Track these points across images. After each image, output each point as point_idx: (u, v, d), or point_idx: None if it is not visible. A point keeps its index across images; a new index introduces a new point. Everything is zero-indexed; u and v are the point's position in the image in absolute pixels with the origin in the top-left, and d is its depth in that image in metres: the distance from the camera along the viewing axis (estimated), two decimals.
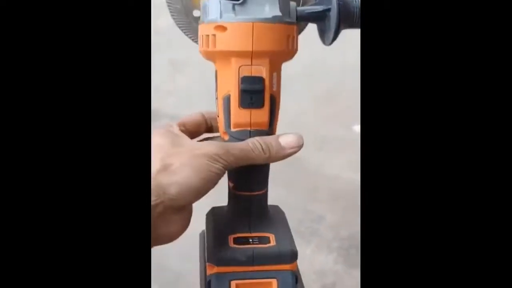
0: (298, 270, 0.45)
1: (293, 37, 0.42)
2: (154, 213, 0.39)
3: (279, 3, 0.41)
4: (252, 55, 0.41)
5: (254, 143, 0.43)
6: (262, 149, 0.43)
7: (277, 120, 0.45)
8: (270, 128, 0.44)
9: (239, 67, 0.42)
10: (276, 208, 0.50)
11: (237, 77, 0.42)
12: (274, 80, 0.43)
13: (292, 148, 0.44)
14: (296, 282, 0.43)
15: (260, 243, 0.44)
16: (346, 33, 0.43)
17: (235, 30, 0.41)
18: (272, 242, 0.44)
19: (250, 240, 0.44)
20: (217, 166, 0.40)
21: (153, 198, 0.38)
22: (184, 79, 1.64)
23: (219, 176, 0.41)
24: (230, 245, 0.43)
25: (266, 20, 0.40)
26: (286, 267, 0.43)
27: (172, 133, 0.43)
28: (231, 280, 0.43)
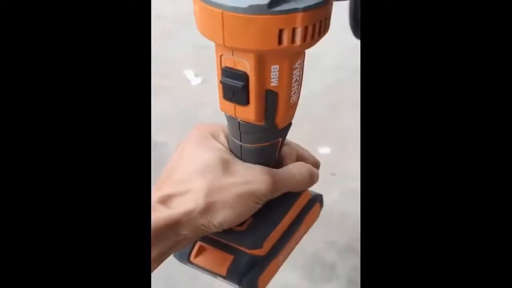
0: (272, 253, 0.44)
1: (292, 30, 0.30)
2: (180, 243, 0.38)
3: None
4: (232, 48, 0.33)
5: (301, 175, 0.42)
6: (308, 180, 0.43)
7: (286, 114, 0.37)
8: (268, 123, 0.38)
9: (221, 55, 0.34)
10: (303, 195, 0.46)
11: (220, 66, 0.35)
12: (274, 75, 0.34)
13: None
14: (256, 264, 0.43)
15: None
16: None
17: (203, 14, 0.32)
18: (245, 226, 0.43)
19: None
20: (260, 204, 0.40)
21: (186, 233, 0.38)
22: (158, 104, 1.67)
23: (257, 208, 0.40)
24: None
25: (239, 10, 0.30)
26: (250, 251, 0.43)
27: (221, 152, 0.40)
28: (199, 240, 0.44)
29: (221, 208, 0.38)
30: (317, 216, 0.51)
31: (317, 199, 0.50)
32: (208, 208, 0.38)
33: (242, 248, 0.43)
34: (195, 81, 1.76)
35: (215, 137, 0.42)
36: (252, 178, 0.39)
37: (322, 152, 1.53)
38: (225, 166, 0.39)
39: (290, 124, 0.41)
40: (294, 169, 0.42)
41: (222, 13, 0.30)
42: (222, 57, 0.34)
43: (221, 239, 0.43)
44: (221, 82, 0.35)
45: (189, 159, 0.41)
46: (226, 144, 0.42)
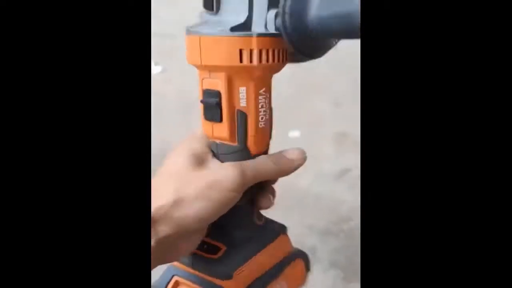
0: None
1: (252, 50, 0.39)
2: (165, 243, 0.39)
3: (249, 12, 0.39)
4: (208, 69, 0.41)
5: (263, 158, 0.43)
6: (273, 162, 0.43)
7: (256, 137, 0.43)
8: (240, 144, 0.43)
9: (202, 79, 0.42)
10: (275, 229, 0.49)
11: (201, 89, 0.42)
12: (243, 96, 0.41)
13: (298, 160, 0.44)
14: None
15: (207, 251, 0.45)
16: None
17: (188, 43, 0.41)
18: (218, 255, 0.44)
19: (205, 245, 0.45)
20: (234, 194, 0.40)
21: (164, 228, 0.38)
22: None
23: (236, 200, 0.41)
24: None
25: (212, 34, 0.39)
26: (220, 282, 0.43)
27: (195, 153, 0.42)
28: (175, 275, 0.45)
29: (194, 200, 0.39)
30: (302, 277, 0.51)
31: (299, 255, 0.50)
32: (180, 200, 0.39)
33: (213, 280, 0.44)
34: (155, 69, 1.72)
35: (196, 140, 0.44)
36: (221, 168, 0.41)
37: (292, 135, 1.53)
38: (197, 164, 0.41)
39: (266, 152, 0.45)
40: (264, 156, 0.44)
41: (199, 38, 0.40)
42: (203, 80, 0.42)
43: (193, 271, 0.44)
44: (201, 101, 0.42)
45: (166, 166, 0.43)
46: (207, 145, 0.44)
